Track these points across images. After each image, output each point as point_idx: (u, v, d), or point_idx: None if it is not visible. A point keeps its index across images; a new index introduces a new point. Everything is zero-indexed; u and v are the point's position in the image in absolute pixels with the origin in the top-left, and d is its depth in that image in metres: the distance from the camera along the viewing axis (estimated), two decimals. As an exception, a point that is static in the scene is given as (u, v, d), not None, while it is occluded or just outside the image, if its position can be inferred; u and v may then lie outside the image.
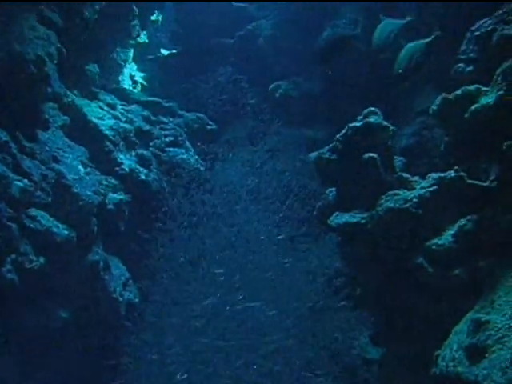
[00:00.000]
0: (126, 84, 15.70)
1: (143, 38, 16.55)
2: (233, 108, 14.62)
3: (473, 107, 7.03)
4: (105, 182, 10.47)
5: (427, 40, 8.49)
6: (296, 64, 14.35)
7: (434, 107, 7.52)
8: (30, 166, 9.12)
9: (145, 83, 16.56)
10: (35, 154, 9.43)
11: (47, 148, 9.73)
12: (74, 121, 10.70)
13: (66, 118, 10.41)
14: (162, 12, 17.06)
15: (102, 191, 10.28)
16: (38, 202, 9.12)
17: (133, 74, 16.34)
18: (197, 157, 12.89)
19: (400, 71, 7.54)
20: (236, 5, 16.23)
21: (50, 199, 9.28)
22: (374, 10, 12.54)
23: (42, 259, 9.06)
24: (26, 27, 9.30)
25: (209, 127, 13.89)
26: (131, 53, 15.68)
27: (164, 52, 17.73)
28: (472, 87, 7.22)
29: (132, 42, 15.05)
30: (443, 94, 7.43)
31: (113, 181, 10.76)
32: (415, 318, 7.76)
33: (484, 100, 6.98)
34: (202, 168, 12.62)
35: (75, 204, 9.70)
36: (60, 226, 9.38)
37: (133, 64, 16.39)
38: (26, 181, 8.90)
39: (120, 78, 15.26)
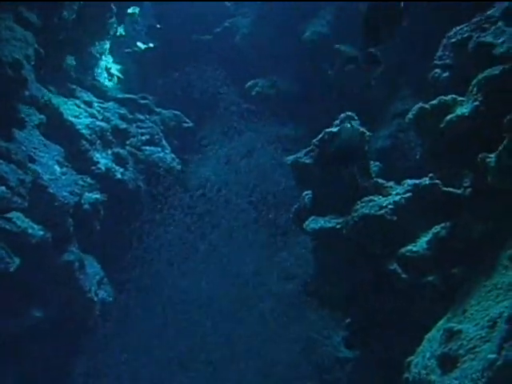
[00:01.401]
0: (102, 77, 15.57)
1: (120, 30, 16.41)
2: (209, 104, 14.59)
3: (448, 117, 7.07)
4: (81, 182, 10.44)
5: None
6: (273, 62, 14.34)
7: (411, 116, 7.54)
8: (7, 171, 9.07)
9: (121, 76, 16.42)
10: (11, 155, 9.37)
11: (23, 148, 9.70)
12: (51, 119, 10.65)
13: (42, 116, 10.36)
14: (139, 5, 16.92)
15: (78, 191, 10.26)
16: (15, 208, 9.10)
17: (109, 66, 16.19)
18: (173, 155, 12.87)
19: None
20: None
21: (26, 204, 9.25)
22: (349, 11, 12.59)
23: (17, 260, 9.03)
24: (2, 27, 9.23)
25: (185, 125, 13.87)
26: (107, 45, 15.55)
27: (140, 45, 17.59)
28: (448, 97, 7.26)
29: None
30: (419, 104, 7.46)
31: (89, 180, 10.75)
32: (389, 322, 7.82)
33: (459, 110, 7.03)
34: (178, 166, 12.59)
35: (51, 205, 9.69)
36: (35, 226, 9.38)
37: (109, 56, 16.25)
38: (3, 188, 8.88)
39: (96, 71, 15.13)
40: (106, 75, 15.88)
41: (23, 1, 9.81)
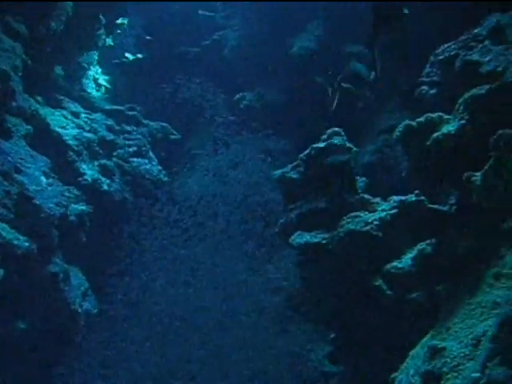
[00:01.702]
0: (90, 87, 15.55)
1: (108, 41, 16.40)
2: (197, 117, 14.61)
3: (435, 135, 7.11)
4: (67, 194, 10.41)
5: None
6: (261, 74, 14.37)
7: (397, 133, 7.59)
8: (-7, 183, 9.07)
9: (109, 86, 16.40)
10: (-3, 165, 9.37)
11: (9, 158, 9.66)
12: (37, 130, 10.63)
13: (29, 127, 10.33)
14: (127, 16, 16.91)
15: (64, 202, 10.23)
16: (1, 219, 9.07)
17: (97, 76, 16.17)
18: (160, 167, 12.86)
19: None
20: (202, 13, 16.19)
21: (12, 215, 9.22)
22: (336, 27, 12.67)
23: (1, 271, 8.99)
24: (-10, 39, 9.23)
25: (172, 137, 13.86)
26: (96, 56, 15.53)
27: (129, 56, 17.57)
28: (435, 115, 7.30)
29: (97, 45, 14.93)
30: (406, 121, 7.50)
31: (75, 191, 10.71)
32: (373, 337, 7.84)
33: (446, 128, 7.07)
34: (165, 178, 12.59)
35: (36, 216, 9.66)
36: (21, 238, 9.34)
37: (97, 67, 16.23)
38: (-12, 201, 8.89)
39: (84, 81, 15.11)
40: (93, 85, 15.86)
41: (11, 11, 9.79)
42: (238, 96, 14.26)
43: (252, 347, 10.91)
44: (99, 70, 16.24)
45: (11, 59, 9.41)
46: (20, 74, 9.75)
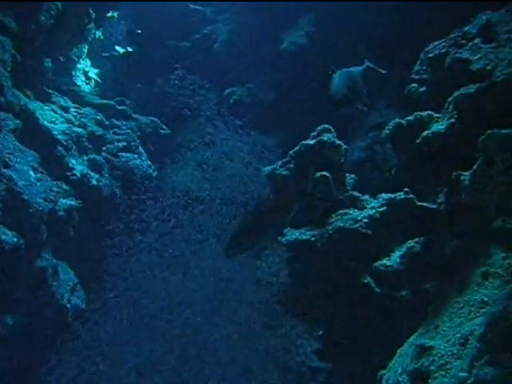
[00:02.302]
0: (80, 80, 15.49)
1: (98, 34, 16.35)
2: (186, 111, 14.58)
3: (424, 133, 7.14)
4: (55, 189, 10.37)
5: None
6: (251, 70, 14.36)
7: (387, 131, 7.61)
8: (-19, 177, 9.04)
9: (98, 80, 16.36)
10: (-15, 160, 9.33)
11: (-2, 153, 9.63)
12: (26, 125, 10.57)
13: (17, 121, 10.28)
14: (117, 9, 16.86)
15: (53, 197, 10.19)
16: (-12, 215, 9.06)
17: (86, 69, 16.12)
18: (149, 162, 12.84)
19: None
20: (192, 7, 16.15)
21: (0, 211, 9.18)
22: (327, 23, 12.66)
23: (-11, 267, 8.98)
24: (-22, 33, 9.17)
25: (162, 131, 13.83)
26: (85, 49, 15.47)
27: (119, 49, 17.52)
28: (424, 113, 7.33)
29: (87, 38, 14.88)
30: (396, 119, 7.52)
31: (64, 186, 10.68)
32: (362, 335, 7.86)
33: (435, 127, 7.09)
34: (154, 173, 12.58)
35: (25, 211, 9.62)
36: (9, 233, 9.30)
37: (87, 60, 16.17)
38: (-23, 196, 8.86)
39: (74, 75, 15.06)
40: (83, 79, 15.81)
41: (0, 4, 9.75)
42: (227, 91, 14.23)
43: (239, 342, 10.94)
44: (89, 64, 16.18)
45: (0, 54, 9.37)
46: (9, 69, 9.71)
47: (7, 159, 9.77)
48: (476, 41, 8.00)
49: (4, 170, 9.60)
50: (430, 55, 8.74)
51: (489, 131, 5.81)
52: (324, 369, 9.78)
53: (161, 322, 11.27)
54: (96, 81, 16.20)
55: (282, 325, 10.83)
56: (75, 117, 12.04)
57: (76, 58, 14.87)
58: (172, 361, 10.84)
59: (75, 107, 12.46)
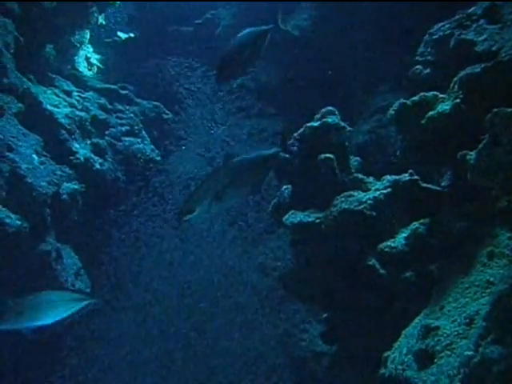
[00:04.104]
0: (82, 66, 15.48)
1: (100, 19, 16.31)
2: (189, 96, 14.55)
3: (429, 114, 7.11)
4: (59, 172, 10.37)
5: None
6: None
7: (392, 112, 7.57)
8: (-15, 161, 9.04)
9: (101, 66, 16.34)
10: (-12, 143, 9.33)
11: (1, 136, 9.61)
12: (29, 108, 10.55)
13: (20, 105, 10.25)
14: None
15: (56, 181, 10.19)
16: (-7, 198, 9.06)
17: (89, 55, 16.10)
18: (152, 146, 12.84)
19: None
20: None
21: (4, 193, 9.18)
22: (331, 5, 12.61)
23: (-7, 250, 8.98)
24: (-19, 15, 9.15)
25: (165, 116, 13.82)
26: (87, 34, 15.45)
27: (121, 35, 17.50)
28: (429, 94, 7.29)
29: (89, 24, 14.85)
30: (401, 100, 7.49)
31: (67, 170, 10.67)
32: (367, 317, 7.86)
33: (440, 107, 7.06)
34: (157, 158, 12.58)
35: (29, 194, 9.62)
36: (12, 216, 9.30)
37: (89, 46, 16.15)
38: (-20, 178, 8.86)
39: (76, 60, 15.04)
40: (85, 65, 15.79)
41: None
42: (229, 76, 14.18)
43: (243, 327, 10.96)
44: (91, 50, 16.16)
45: (3, 35, 9.36)
46: (12, 51, 9.69)
47: (10, 142, 9.76)
48: (481, 22, 7.94)
49: (7, 154, 9.59)
50: (435, 37, 8.70)
51: (495, 110, 5.78)
52: (328, 352, 9.80)
53: (159, 307, 11.32)
54: (98, 67, 16.18)
55: (285, 309, 10.86)
56: (78, 101, 12.03)
57: (78, 44, 14.85)
58: (171, 345, 10.89)
59: (78, 91, 12.45)
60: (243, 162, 7.30)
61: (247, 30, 7.77)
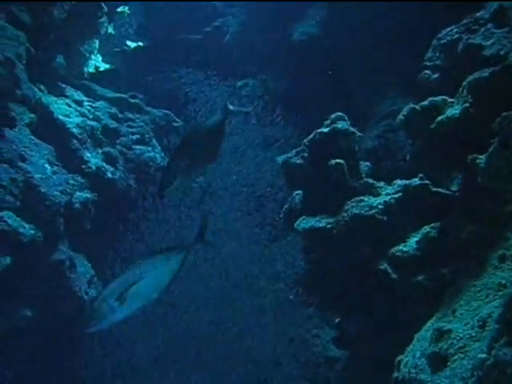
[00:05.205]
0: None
1: (109, 29, 16.41)
2: (199, 104, 14.60)
3: (439, 118, 7.15)
4: (71, 181, 10.44)
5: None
6: (263, 61, 14.38)
7: (401, 117, 7.62)
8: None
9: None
10: (3, 153, 9.40)
11: (14, 146, 9.70)
12: (41, 118, 10.65)
13: (32, 115, 10.35)
14: (128, 3, 16.94)
15: (69, 190, 10.27)
16: (8, 207, 9.12)
17: (98, 65, 16.18)
18: (163, 154, 12.91)
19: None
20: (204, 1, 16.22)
21: (18, 203, 9.26)
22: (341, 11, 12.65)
23: (8, 259, 9.04)
24: (-6, 26, 9.25)
25: (175, 124, 13.88)
26: (97, 44, 15.54)
27: (130, 44, 17.59)
28: (438, 98, 7.34)
29: (98, 34, 14.94)
30: (410, 105, 7.54)
31: (79, 179, 10.74)
32: (379, 321, 7.88)
33: (450, 112, 7.10)
34: (168, 166, 12.63)
35: (42, 204, 9.70)
36: (26, 225, 9.38)
37: (98, 55, 16.24)
38: (-5, 187, 8.95)
39: (85, 70, 15.13)
40: (95, 74, 15.87)
41: (15, 0, 9.83)
42: (240, 83, 14.25)
43: (255, 332, 10.99)
44: (100, 59, 16.25)
45: (15, 47, 9.45)
46: (24, 62, 9.79)
47: (23, 153, 9.85)
48: (488, 26, 8.00)
49: (20, 164, 9.68)
50: (443, 41, 8.76)
51: (504, 113, 5.82)
52: (341, 357, 9.83)
53: (169, 314, 11.36)
54: (108, 76, 16.25)
55: (298, 314, 10.88)
56: (89, 110, 12.10)
57: (88, 54, 14.95)
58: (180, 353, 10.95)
59: (89, 101, 12.53)
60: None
61: (198, 125, 7.70)
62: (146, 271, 6.88)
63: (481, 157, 6.18)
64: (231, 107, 7.98)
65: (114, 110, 12.72)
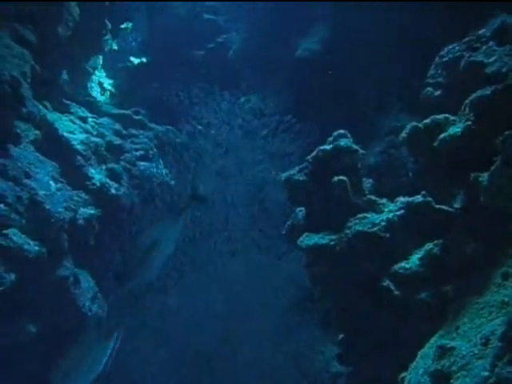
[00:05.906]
0: (95, 91, 15.65)
1: (113, 45, 16.49)
2: (202, 120, 14.66)
3: (441, 136, 7.19)
4: (76, 198, 10.46)
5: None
6: (266, 77, 14.42)
7: (404, 135, 7.66)
8: (5, 188, 9.15)
9: (113, 90, 16.50)
10: (8, 171, 9.43)
11: (19, 164, 9.73)
12: (46, 135, 10.68)
13: (37, 132, 10.38)
14: (131, 20, 17.02)
15: (73, 207, 10.28)
16: (13, 224, 9.15)
17: (102, 80, 16.27)
18: (166, 170, 12.94)
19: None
20: (206, 17, 16.29)
21: (24, 221, 9.30)
22: (344, 28, 12.70)
23: (12, 276, 9.06)
24: (0, 45, 9.30)
25: (178, 140, 13.92)
26: (100, 60, 15.63)
27: (134, 60, 17.68)
28: (441, 116, 7.38)
29: (102, 50, 15.01)
30: (413, 123, 7.58)
31: (83, 195, 10.76)
32: (382, 338, 7.89)
33: (452, 130, 7.14)
34: (171, 182, 12.68)
35: (46, 220, 9.72)
36: (31, 242, 9.40)
37: (102, 71, 16.33)
38: (1, 205, 8.98)
39: (89, 85, 15.21)
40: (98, 89, 15.95)
41: (19, 18, 9.91)
42: (242, 99, 14.30)
43: (259, 350, 11.01)
44: (103, 75, 16.34)
45: (20, 66, 9.50)
46: (29, 80, 9.84)
47: (28, 170, 9.88)
48: (490, 44, 8.07)
49: (25, 181, 9.71)
50: (445, 59, 8.83)
51: (507, 132, 5.86)
52: (344, 373, 9.83)
53: (175, 329, 11.37)
54: (111, 92, 16.34)
55: (301, 331, 10.90)
56: (93, 127, 12.15)
57: (91, 70, 15.03)
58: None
59: (93, 117, 12.57)
60: None
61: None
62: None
63: (483, 175, 6.21)
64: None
65: (117, 126, 12.77)
